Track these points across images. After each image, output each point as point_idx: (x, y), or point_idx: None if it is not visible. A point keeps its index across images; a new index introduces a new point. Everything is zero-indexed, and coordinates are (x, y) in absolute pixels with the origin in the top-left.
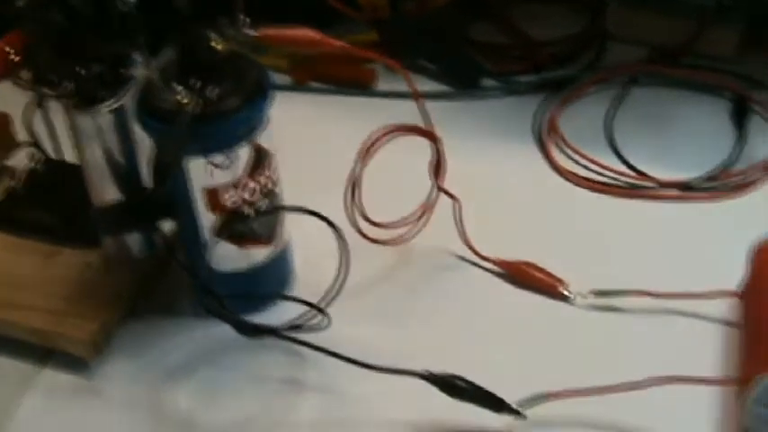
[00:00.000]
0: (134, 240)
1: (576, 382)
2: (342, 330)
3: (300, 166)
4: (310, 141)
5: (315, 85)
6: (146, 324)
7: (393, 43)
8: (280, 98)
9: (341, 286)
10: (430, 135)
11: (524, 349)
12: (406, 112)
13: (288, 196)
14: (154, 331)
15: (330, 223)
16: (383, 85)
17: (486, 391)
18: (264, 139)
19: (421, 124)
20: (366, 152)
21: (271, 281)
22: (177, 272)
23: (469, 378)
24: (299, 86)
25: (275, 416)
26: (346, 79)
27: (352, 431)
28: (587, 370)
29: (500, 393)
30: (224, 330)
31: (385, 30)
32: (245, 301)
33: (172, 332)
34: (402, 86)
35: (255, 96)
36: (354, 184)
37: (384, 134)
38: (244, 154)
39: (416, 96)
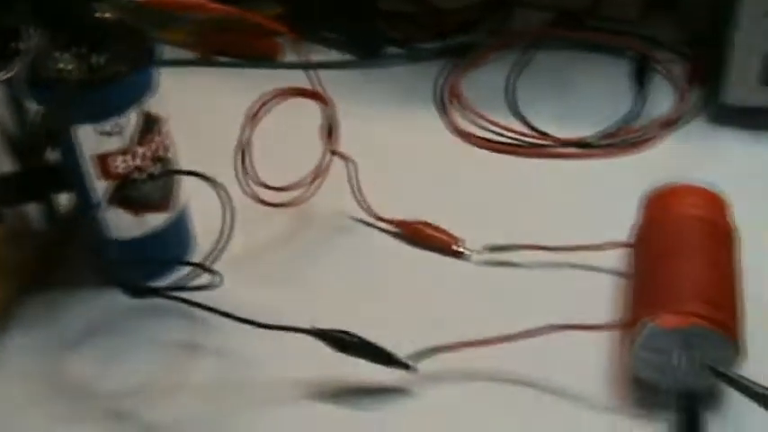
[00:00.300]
0: (34, 212)
1: (472, 335)
2: (238, 293)
3: (203, 137)
4: (213, 113)
5: (221, 59)
6: (47, 295)
7: (298, 15)
8: (186, 72)
9: (226, 243)
10: (318, 97)
11: (420, 306)
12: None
13: (189, 164)
14: (55, 302)
15: (212, 181)
16: (292, 57)
17: (375, 345)
18: (154, 106)
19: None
20: (254, 116)
21: (170, 247)
22: (80, 242)
23: (367, 335)
24: (204, 60)
25: (173, 379)
26: (251, 52)
27: (248, 391)
28: (482, 324)
29: (397, 349)
30: (125, 299)
31: (290, 1)
32: (144, 267)
33: (73, 302)
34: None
35: (141, 62)
36: (244, 148)
37: (270, 98)
38: (132, 120)
39: (306, 63)
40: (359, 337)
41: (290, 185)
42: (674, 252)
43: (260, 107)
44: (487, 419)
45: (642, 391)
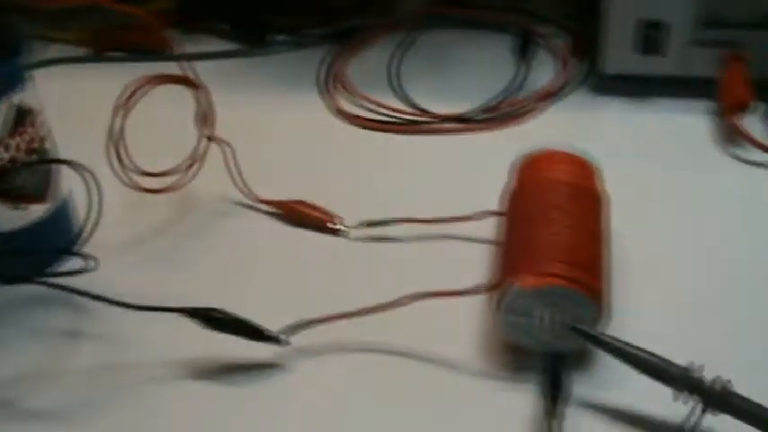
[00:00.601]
0: None
1: (348, 310)
2: (118, 278)
3: (85, 128)
4: (97, 105)
5: (110, 54)
6: None
7: (187, 8)
8: (74, 68)
9: (94, 228)
10: (188, 82)
11: (298, 284)
12: (199, 72)
13: (69, 155)
14: None
15: (78, 167)
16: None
17: (245, 320)
18: (26, 98)
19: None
20: (125, 103)
21: (53, 237)
22: None
23: (246, 314)
24: (98, 57)
25: (53, 365)
26: (142, 46)
27: (126, 373)
28: (358, 298)
29: (273, 326)
30: (2, 289)
31: None
32: (24, 258)
33: None
34: (198, 48)
35: (8, 55)
36: (115, 135)
37: (140, 86)
38: (2, 113)
39: (184, 54)
40: (229, 314)
41: (166, 171)
42: (538, 216)
43: (130, 95)
44: (361, 390)
45: (512, 354)
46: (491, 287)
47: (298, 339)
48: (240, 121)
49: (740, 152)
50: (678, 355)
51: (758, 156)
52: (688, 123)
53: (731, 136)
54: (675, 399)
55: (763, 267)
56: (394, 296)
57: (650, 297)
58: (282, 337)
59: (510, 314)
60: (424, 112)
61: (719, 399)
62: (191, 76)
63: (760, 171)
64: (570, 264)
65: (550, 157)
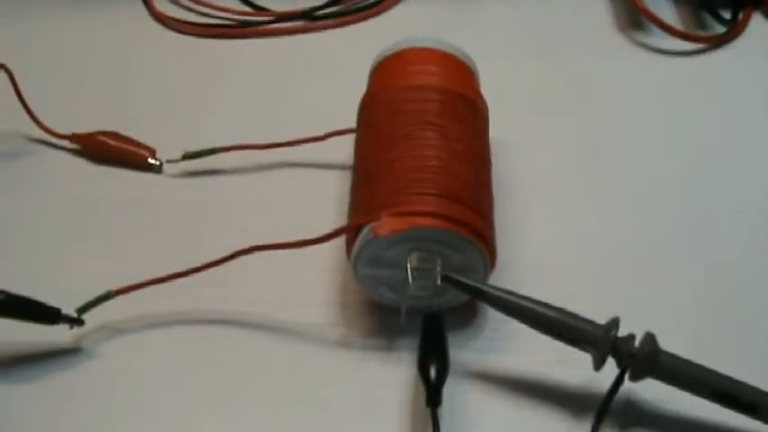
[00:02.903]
0: None
1: (167, 267)
2: None
3: None
4: None
5: None
6: None
7: None
8: None
9: None
10: None
11: (103, 241)
12: None
13: None
14: None
15: None
16: None
17: (32, 301)
18: None
19: None
20: None
21: None
22: None
23: (34, 293)
24: None
25: None
26: None
27: None
28: (180, 253)
29: (77, 302)
30: None
31: None
32: None
33: None
34: None
35: None
36: None
37: None
38: None
39: None
40: (15, 296)
41: None
42: (396, 134)
43: None
44: (185, 372)
45: (379, 316)
46: (348, 236)
47: (102, 316)
48: (36, 38)
49: (646, 38)
50: (586, 308)
51: (667, 42)
52: (584, 7)
53: (636, 19)
54: (597, 367)
55: (684, 178)
56: (222, 246)
57: (549, 231)
58: (80, 315)
59: (367, 267)
60: (260, 10)
61: (650, 363)
62: None
63: (670, 60)
64: (443, 197)
65: (409, 55)
